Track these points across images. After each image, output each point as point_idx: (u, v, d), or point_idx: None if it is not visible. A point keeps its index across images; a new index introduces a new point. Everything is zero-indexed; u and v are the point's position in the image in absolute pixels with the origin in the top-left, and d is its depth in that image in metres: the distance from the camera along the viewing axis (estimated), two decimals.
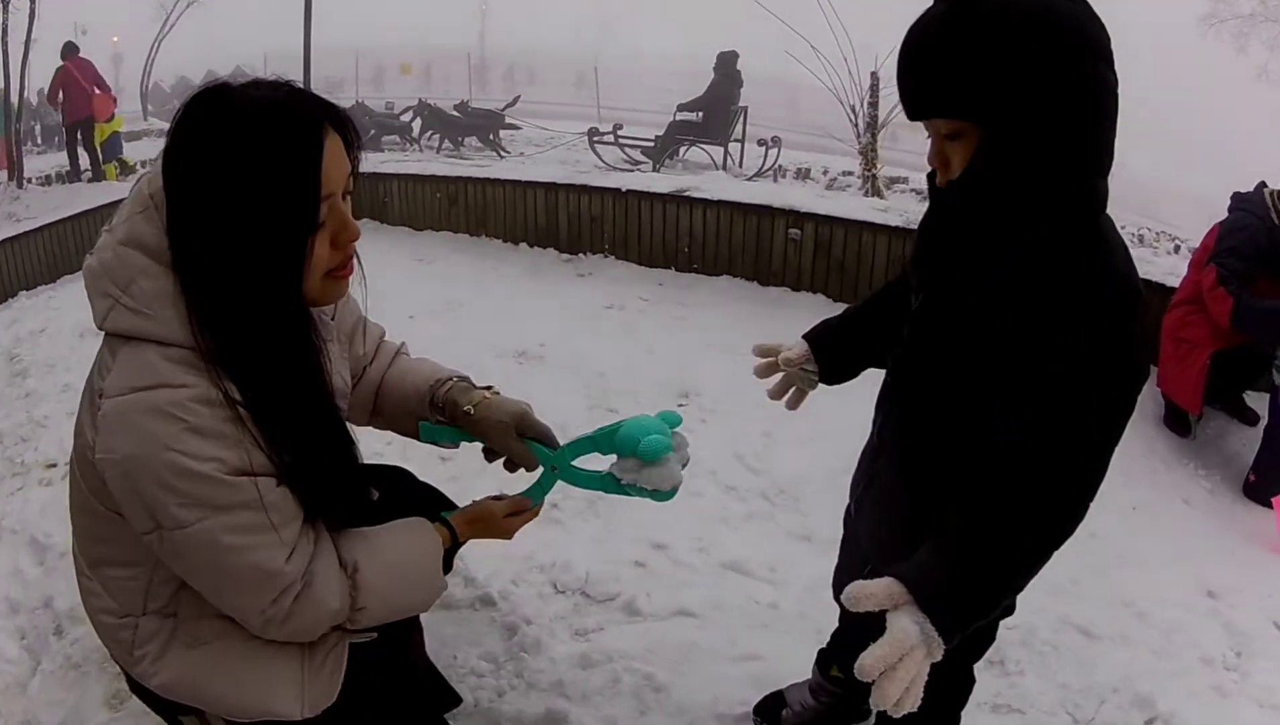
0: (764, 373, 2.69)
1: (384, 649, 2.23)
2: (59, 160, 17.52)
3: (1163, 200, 23.66)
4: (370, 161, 9.26)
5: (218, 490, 1.73)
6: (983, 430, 1.86)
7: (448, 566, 2.25)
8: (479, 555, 3.22)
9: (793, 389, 2.69)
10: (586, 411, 5.31)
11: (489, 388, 2.46)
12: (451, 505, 2.54)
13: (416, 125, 20.62)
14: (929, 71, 1.74)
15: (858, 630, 1.79)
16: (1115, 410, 1.75)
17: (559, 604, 3.71)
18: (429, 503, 2.53)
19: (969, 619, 1.72)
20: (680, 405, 5.51)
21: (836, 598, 2.35)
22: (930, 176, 1.91)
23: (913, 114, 1.82)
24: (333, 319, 2.25)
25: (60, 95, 16.21)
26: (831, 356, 2.57)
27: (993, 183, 1.75)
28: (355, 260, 1.97)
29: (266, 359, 1.81)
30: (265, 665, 2.01)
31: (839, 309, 7.06)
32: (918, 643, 1.65)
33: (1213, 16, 27.76)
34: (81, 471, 1.87)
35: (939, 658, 1.67)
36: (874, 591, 1.70)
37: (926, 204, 2.09)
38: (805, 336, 2.60)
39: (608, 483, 2.23)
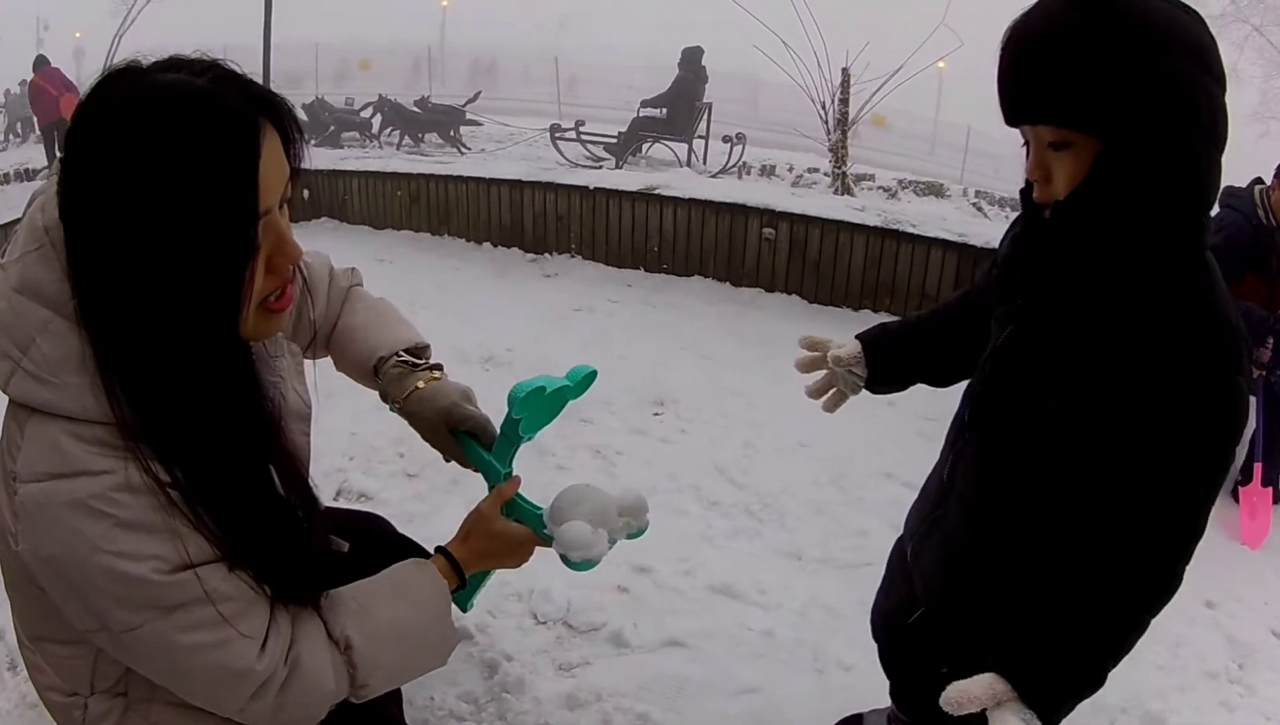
0: (807, 367, 2.47)
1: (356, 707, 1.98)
2: (20, 157, 17.56)
3: None
4: (330, 159, 9.13)
5: (161, 591, 1.44)
6: (1068, 485, 1.73)
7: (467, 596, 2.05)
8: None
9: (833, 391, 2.47)
10: (557, 422, 5.04)
11: (431, 368, 2.24)
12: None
13: (376, 121, 20.45)
14: (1047, 72, 1.56)
15: (917, 675, 1.81)
16: (1216, 468, 1.62)
17: (540, 637, 3.54)
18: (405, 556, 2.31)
19: (1073, 703, 1.68)
20: (656, 414, 5.39)
21: (875, 635, 2.46)
22: (1025, 192, 1.75)
23: (1016, 117, 1.64)
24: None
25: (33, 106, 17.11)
26: (884, 363, 2.38)
27: (1110, 205, 1.59)
28: (297, 285, 1.63)
29: (199, 427, 1.48)
30: None
31: (814, 310, 7.12)
32: None
33: None
34: (4, 555, 1.54)
35: None
36: (977, 694, 1.65)
37: (1008, 220, 1.94)
38: (859, 337, 2.41)
39: (539, 527, 2.00)
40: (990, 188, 20.81)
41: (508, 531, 1.99)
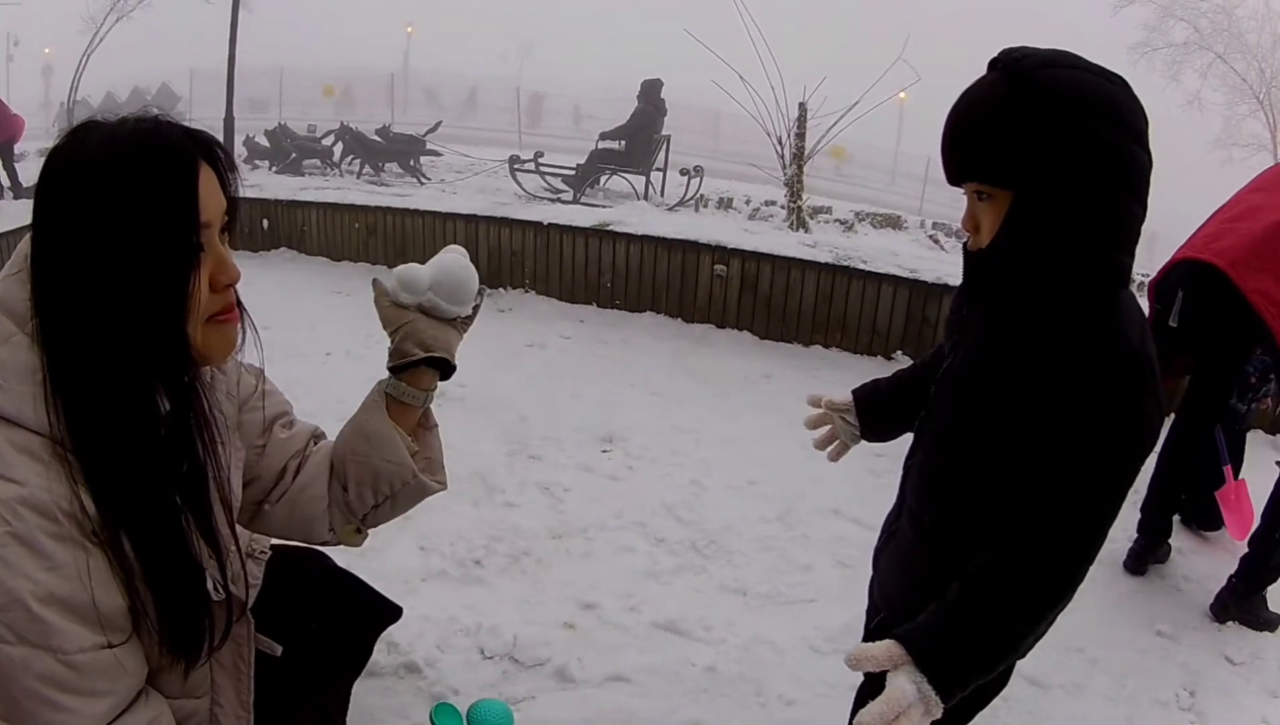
0: (814, 424, 2.67)
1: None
2: None
3: None
4: (289, 188, 9.15)
5: (28, 620, 1.45)
6: (997, 497, 1.87)
7: None
8: (402, 619, 3.05)
9: (837, 442, 2.65)
10: (506, 458, 5.21)
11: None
12: (377, 601, 2.48)
13: (338, 150, 20.23)
14: (967, 134, 1.79)
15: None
16: (1117, 481, 1.76)
17: (487, 671, 3.55)
18: (349, 608, 2.35)
19: (967, 679, 1.72)
20: (605, 451, 5.42)
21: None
22: (966, 243, 1.94)
23: (952, 178, 1.85)
24: (233, 410, 2.03)
25: None
26: (872, 415, 2.58)
27: (1020, 249, 1.78)
28: (240, 309, 1.77)
29: (130, 453, 1.54)
30: None
31: (765, 345, 7.22)
32: (914, 701, 1.66)
33: (1145, 45, 28.17)
34: None
35: (937, 715, 1.68)
36: (875, 654, 1.72)
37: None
38: (854, 392, 2.63)
39: None
40: (948, 218, 20.91)
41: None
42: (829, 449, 2.66)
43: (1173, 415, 4.79)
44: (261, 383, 2.19)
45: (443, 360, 2.12)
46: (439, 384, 2.21)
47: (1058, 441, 1.74)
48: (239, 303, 1.76)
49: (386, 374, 2.15)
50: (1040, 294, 1.80)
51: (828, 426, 2.63)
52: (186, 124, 1.68)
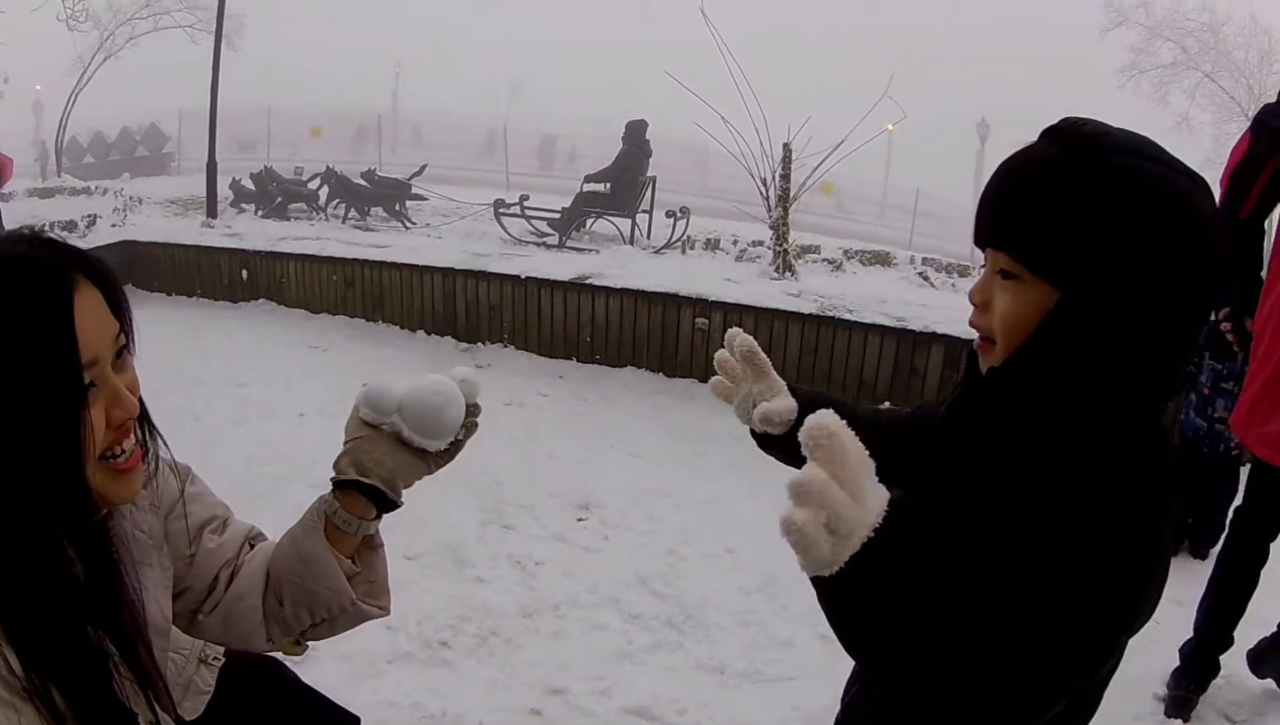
0: (724, 372, 2.06)
1: None
2: None
3: None
4: (268, 237, 9.10)
5: None
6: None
7: None
8: (360, 704, 2.94)
9: (736, 402, 2.06)
10: (479, 527, 5.12)
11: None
12: (332, 713, 2.35)
13: (324, 194, 20.28)
14: (1021, 203, 1.47)
15: None
16: (1087, 659, 1.45)
17: None
18: (302, 721, 2.25)
19: (860, 582, 1.28)
20: (580, 519, 5.33)
21: None
22: (971, 353, 1.62)
23: (981, 237, 1.54)
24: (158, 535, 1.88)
25: None
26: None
27: (1054, 364, 1.45)
28: (149, 432, 1.66)
29: (49, 605, 1.46)
30: None
31: None
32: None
33: (1132, 68, 28.28)
34: None
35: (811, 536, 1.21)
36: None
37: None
38: (796, 393, 2.01)
39: None
40: (938, 251, 20.90)
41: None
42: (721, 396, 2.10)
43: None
44: (188, 485, 2.02)
45: (378, 490, 1.92)
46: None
47: (1051, 587, 1.38)
48: (147, 426, 1.66)
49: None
50: (1063, 424, 1.46)
51: (735, 390, 2.05)
52: (63, 242, 1.55)
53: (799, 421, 1.62)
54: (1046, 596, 1.39)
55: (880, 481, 1.61)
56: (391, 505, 1.95)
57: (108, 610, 1.58)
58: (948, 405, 1.81)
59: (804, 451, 1.23)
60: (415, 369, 6.92)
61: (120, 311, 1.55)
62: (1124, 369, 1.42)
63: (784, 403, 1.93)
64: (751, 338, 1.97)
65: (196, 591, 2.01)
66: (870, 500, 1.27)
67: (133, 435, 1.58)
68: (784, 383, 1.99)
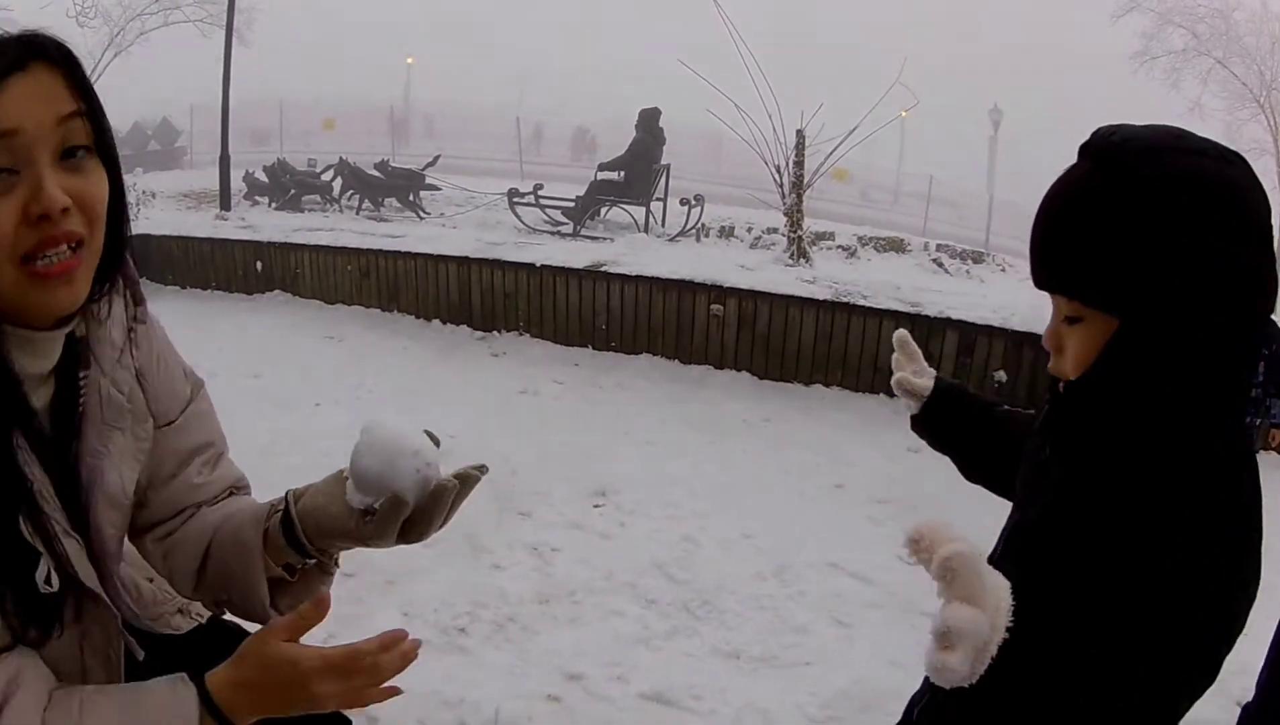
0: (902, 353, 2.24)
1: None
2: None
3: None
4: (282, 229, 9.11)
5: None
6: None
7: None
8: None
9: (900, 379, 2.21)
10: (495, 515, 5.12)
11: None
12: None
13: (337, 185, 20.40)
14: (1065, 246, 1.49)
15: None
16: (1197, 680, 1.48)
17: None
18: None
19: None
20: (596, 506, 5.35)
21: None
22: (1054, 382, 1.63)
23: (1039, 284, 1.55)
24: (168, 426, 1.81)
25: None
26: (942, 410, 2.18)
27: (1123, 391, 1.47)
28: (84, 262, 1.44)
29: None
30: None
31: (764, 386, 7.14)
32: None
33: (1144, 54, 28.21)
34: None
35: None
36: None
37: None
38: (937, 380, 2.20)
39: None
40: (953, 236, 20.83)
41: (292, 658, 1.50)
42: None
43: None
44: (196, 401, 1.90)
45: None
46: None
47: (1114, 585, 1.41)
48: (112, 257, 1.53)
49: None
50: (1140, 448, 1.46)
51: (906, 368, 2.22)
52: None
53: (934, 400, 2.15)
54: (1152, 627, 1.41)
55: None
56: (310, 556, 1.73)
57: (59, 460, 1.54)
58: (1039, 423, 1.82)
59: (935, 579, 1.30)
60: (430, 359, 6.96)
61: (87, 97, 1.42)
62: (1191, 378, 1.42)
63: (921, 381, 2.16)
64: (905, 331, 2.23)
65: (156, 515, 1.88)
66: (999, 604, 1.32)
67: (65, 246, 1.39)
68: (933, 371, 2.19)
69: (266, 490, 1.89)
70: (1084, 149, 1.49)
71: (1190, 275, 1.37)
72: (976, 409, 2.18)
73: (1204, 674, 1.47)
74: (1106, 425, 1.49)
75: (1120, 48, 28.84)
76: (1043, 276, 1.52)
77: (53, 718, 1.50)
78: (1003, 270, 18.52)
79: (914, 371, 2.18)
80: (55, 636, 1.55)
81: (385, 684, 1.54)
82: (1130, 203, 1.39)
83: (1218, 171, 1.39)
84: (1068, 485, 1.56)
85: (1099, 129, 1.48)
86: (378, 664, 1.51)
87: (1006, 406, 2.19)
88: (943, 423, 2.18)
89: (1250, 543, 1.45)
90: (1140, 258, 1.39)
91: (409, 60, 58.12)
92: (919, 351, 2.22)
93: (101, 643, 1.67)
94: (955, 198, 39.83)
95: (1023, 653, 1.42)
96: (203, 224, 11.57)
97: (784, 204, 11.44)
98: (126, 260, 1.60)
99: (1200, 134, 1.46)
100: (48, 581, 1.50)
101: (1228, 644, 1.46)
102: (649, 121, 17.19)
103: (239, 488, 1.99)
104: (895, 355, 2.23)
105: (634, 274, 7.82)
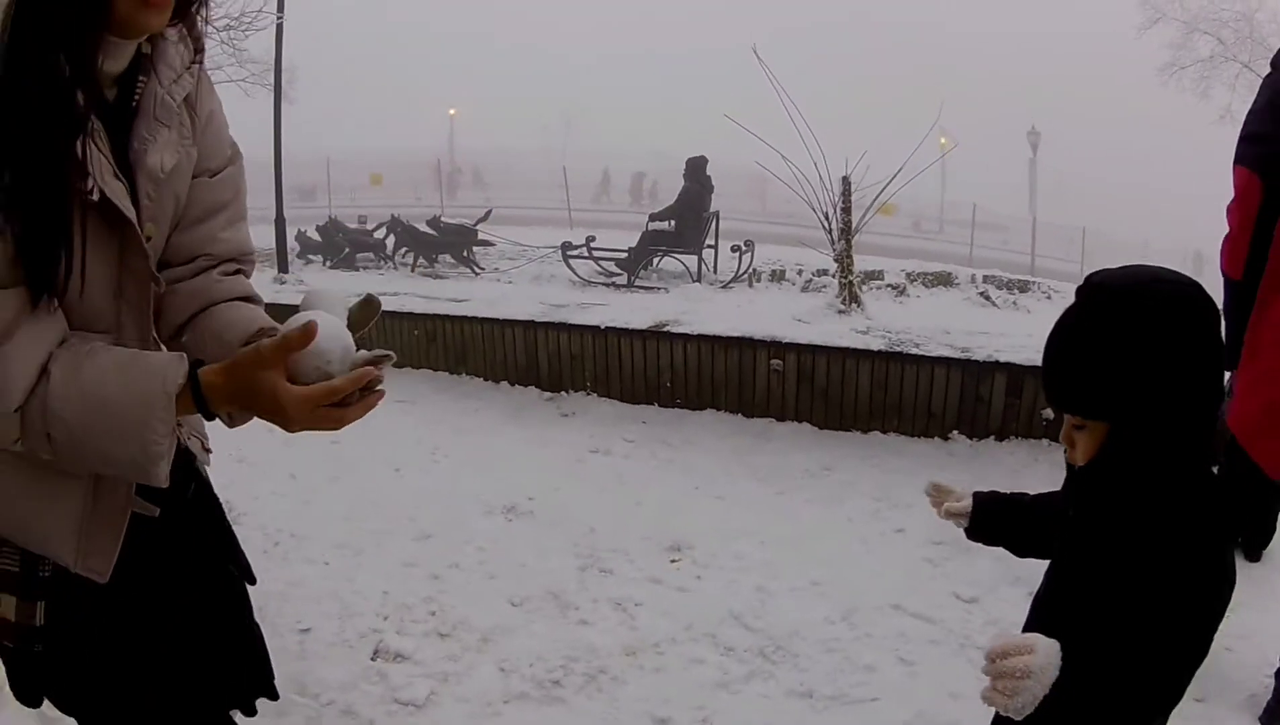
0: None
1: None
2: None
3: (1151, 259, 23.90)
4: (343, 292, 9.38)
5: None
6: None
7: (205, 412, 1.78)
8: None
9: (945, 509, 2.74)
10: (578, 572, 5.33)
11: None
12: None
13: (390, 242, 20.53)
14: (1062, 375, 1.97)
15: None
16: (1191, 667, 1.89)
17: None
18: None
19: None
20: (674, 561, 5.53)
21: None
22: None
23: (1050, 405, 2.10)
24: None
25: None
26: (984, 521, 2.66)
27: (1117, 473, 1.94)
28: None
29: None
30: (46, 497, 1.84)
31: (824, 436, 7.42)
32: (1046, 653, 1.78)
33: (1173, 65, 28.21)
34: None
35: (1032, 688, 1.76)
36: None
37: None
38: (975, 495, 2.70)
39: None
40: (999, 262, 20.83)
41: (274, 388, 1.71)
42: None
43: None
44: (235, 164, 2.17)
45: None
46: None
47: (1133, 601, 1.87)
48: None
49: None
50: (1136, 504, 1.93)
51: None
52: None
53: (977, 514, 2.59)
54: (1172, 623, 1.86)
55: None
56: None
57: (114, 139, 1.80)
58: (1062, 490, 2.31)
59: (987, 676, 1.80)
60: (500, 420, 7.16)
61: None
62: (1167, 455, 1.89)
63: (962, 504, 2.63)
64: (933, 483, 2.71)
65: (171, 257, 2.07)
66: (1048, 661, 1.79)
67: None
68: (968, 495, 2.64)
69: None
70: (1077, 292, 1.95)
71: (1158, 386, 1.83)
72: (1012, 507, 2.64)
73: (1203, 654, 1.91)
74: (1113, 491, 1.97)
75: (1150, 59, 28.80)
76: (1054, 399, 2.01)
77: (60, 354, 1.70)
78: (1048, 297, 18.48)
79: (955, 498, 2.65)
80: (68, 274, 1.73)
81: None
82: (1106, 334, 1.85)
83: (1175, 293, 1.85)
84: (1090, 533, 2.08)
85: (1090, 274, 1.95)
86: (346, 405, 1.78)
87: (1031, 494, 2.65)
88: (988, 529, 2.64)
89: (1229, 554, 1.95)
90: (1117, 379, 1.85)
91: (451, 112, 58.51)
92: (950, 487, 2.67)
93: (135, 294, 1.90)
94: (999, 222, 39.80)
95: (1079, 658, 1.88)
96: (264, 287, 11.57)
97: (834, 250, 11.58)
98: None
99: (1167, 267, 1.94)
100: (91, 193, 1.72)
101: (1216, 629, 1.91)
102: (697, 170, 17.38)
103: (244, 256, 2.21)
104: (931, 497, 2.70)
105: (695, 332, 8.00)
